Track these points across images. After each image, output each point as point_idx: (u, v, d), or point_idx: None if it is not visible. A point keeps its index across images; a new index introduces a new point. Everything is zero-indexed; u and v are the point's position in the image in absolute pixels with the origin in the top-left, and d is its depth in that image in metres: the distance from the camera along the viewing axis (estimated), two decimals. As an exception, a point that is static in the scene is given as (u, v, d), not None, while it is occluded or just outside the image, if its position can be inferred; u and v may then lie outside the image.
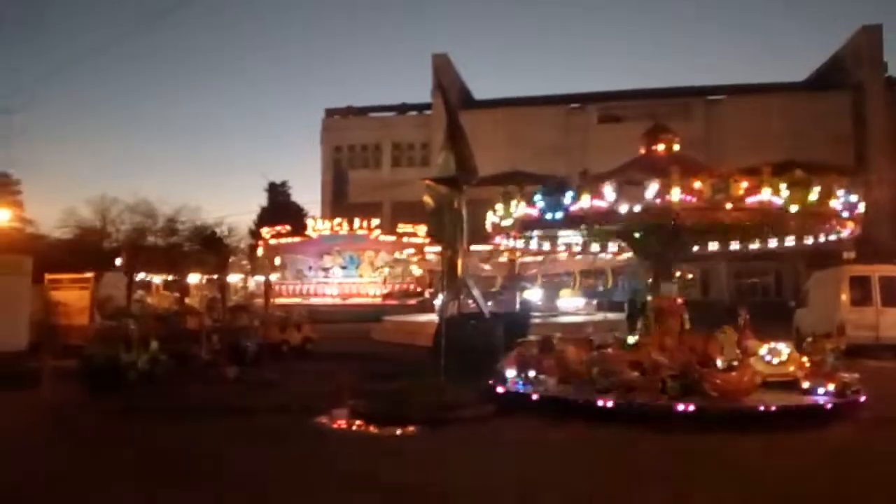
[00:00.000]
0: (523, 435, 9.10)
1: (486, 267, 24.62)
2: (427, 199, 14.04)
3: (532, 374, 11.16)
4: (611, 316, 21.17)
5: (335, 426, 9.72)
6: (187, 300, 34.20)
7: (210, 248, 31.44)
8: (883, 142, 42.70)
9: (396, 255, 37.80)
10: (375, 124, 55.55)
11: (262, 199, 56.36)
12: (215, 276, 35.70)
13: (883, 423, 9.66)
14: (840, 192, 10.27)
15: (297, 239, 37.95)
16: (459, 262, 13.93)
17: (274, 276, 36.81)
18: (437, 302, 18.83)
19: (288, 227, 38.50)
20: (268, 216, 48.02)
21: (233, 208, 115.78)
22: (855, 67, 44.43)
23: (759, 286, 43.51)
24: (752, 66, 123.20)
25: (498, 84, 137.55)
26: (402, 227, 37.09)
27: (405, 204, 42.35)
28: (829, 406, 9.87)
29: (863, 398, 10.24)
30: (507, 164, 42.45)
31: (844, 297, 17.93)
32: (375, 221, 38.71)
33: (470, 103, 51.05)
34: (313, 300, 34.52)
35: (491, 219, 12.31)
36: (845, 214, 10.46)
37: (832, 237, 11.84)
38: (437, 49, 55.37)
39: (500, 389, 10.97)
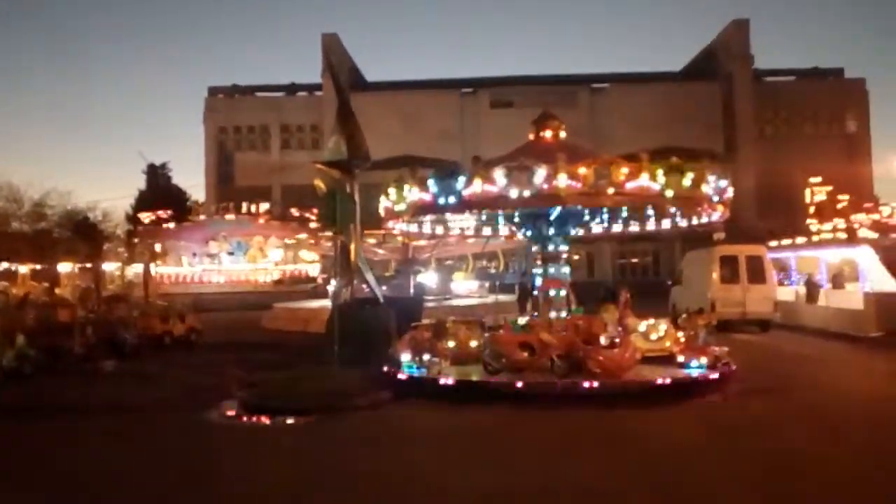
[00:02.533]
0: (417, 421, 9.11)
1: (380, 251, 24.47)
2: (318, 183, 13.76)
3: (426, 357, 11.24)
4: (503, 298, 21.63)
5: (222, 420, 9.35)
6: (58, 290, 31.81)
7: (82, 234, 29.35)
8: (749, 130, 46.01)
9: (287, 240, 36.83)
10: (263, 105, 53.57)
11: (140, 183, 53.28)
12: (89, 265, 33.40)
13: (750, 392, 10.44)
14: (711, 178, 10.94)
15: (179, 224, 36.14)
16: (352, 247, 13.78)
17: (154, 265, 34.91)
18: (330, 288, 18.55)
19: (169, 212, 36.55)
20: (147, 200, 45.27)
21: (109, 192, 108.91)
22: (725, 59, 47.48)
23: (639, 266, 46.03)
24: (633, 55, 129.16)
25: (389, 67, 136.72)
26: (293, 212, 36.19)
27: (296, 188, 41.31)
28: (701, 378, 10.57)
29: (730, 370, 11.05)
30: (400, 148, 42.37)
31: (715, 275, 19.25)
32: (264, 206, 37.54)
33: (361, 85, 50.38)
34: (198, 289, 33.08)
35: (384, 203, 12.24)
36: (716, 199, 11.17)
37: (704, 220, 12.62)
38: (327, 29, 54.20)
39: (394, 374, 10.97)
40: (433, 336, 11.51)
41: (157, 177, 52.87)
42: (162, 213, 36.28)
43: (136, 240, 37.08)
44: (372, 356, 11.54)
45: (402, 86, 50.02)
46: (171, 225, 36.00)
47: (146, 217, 36.44)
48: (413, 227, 14.25)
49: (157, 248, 37.07)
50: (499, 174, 10.21)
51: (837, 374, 12.34)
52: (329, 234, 17.93)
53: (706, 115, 46.37)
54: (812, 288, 19.69)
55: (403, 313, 13.80)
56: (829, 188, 20.78)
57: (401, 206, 11.67)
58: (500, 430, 8.48)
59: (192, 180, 73.71)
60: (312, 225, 33.19)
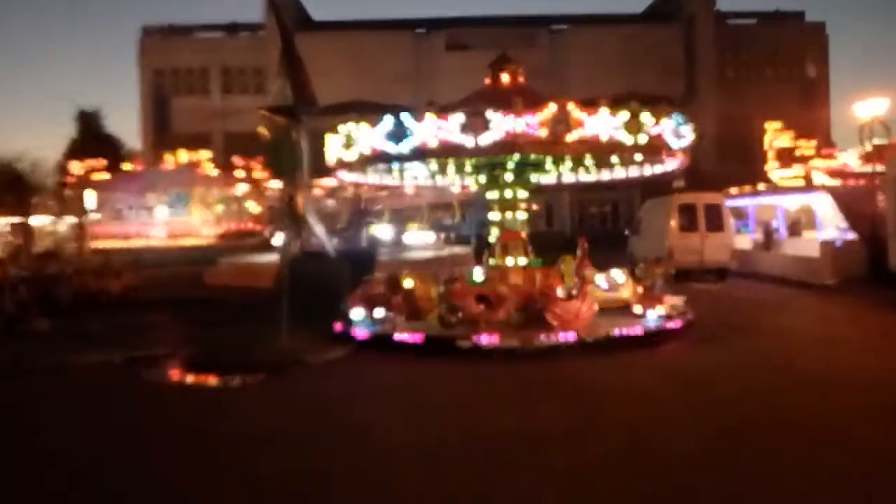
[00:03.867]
0: (370, 377, 8.79)
1: (331, 202, 23.76)
2: (262, 130, 13.06)
3: (380, 312, 10.88)
4: (459, 250, 21.25)
5: (167, 380, 8.86)
6: (-15, 246, 30.12)
7: (9, 186, 27.60)
8: (711, 73, 45.91)
9: (231, 190, 35.47)
10: (202, 46, 50.91)
11: (71, 130, 50.43)
12: (17, 219, 31.63)
13: (706, 340, 10.45)
14: (672, 123, 10.61)
15: (113, 175, 34.30)
16: (300, 198, 13.12)
17: (90, 218, 33.27)
18: (278, 241, 17.84)
19: (103, 162, 34.61)
20: (79, 149, 42.63)
21: (37, 141, 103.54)
22: (687, 1, 46.88)
23: (598, 215, 46.20)
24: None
25: (337, 6, 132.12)
26: (236, 160, 34.71)
27: (239, 135, 39.68)
28: (658, 328, 10.47)
29: (687, 319, 11.00)
30: (350, 92, 41.06)
31: (673, 223, 19.09)
32: (205, 154, 35.90)
33: (308, 25, 48.35)
34: (136, 243, 31.72)
35: (332, 152, 11.58)
36: (676, 145, 10.87)
37: (662, 168, 12.36)
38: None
39: (346, 330, 10.60)
40: (387, 290, 11.17)
41: (89, 124, 50.00)
42: (95, 163, 34.28)
43: (67, 192, 35.10)
44: (323, 312, 11.09)
45: (352, 26, 48.21)
46: (105, 175, 34.15)
47: (78, 167, 34.43)
48: (364, 177, 13.64)
49: (91, 200, 35.19)
50: (453, 120, 9.71)
51: (792, 322, 12.42)
52: (275, 184, 17.18)
53: (667, 58, 46.01)
54: (769, 236, 19.86)
55: (355, 267, 13.34)
56: (791, 134, 20.82)
57: (350, 155, 11.05)
58: (458, 384, 8.29)
59: (127, 127, 70.35)
60: (257, 175, 31.96)
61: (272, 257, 17.74)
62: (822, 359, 9.09)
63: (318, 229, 14.15)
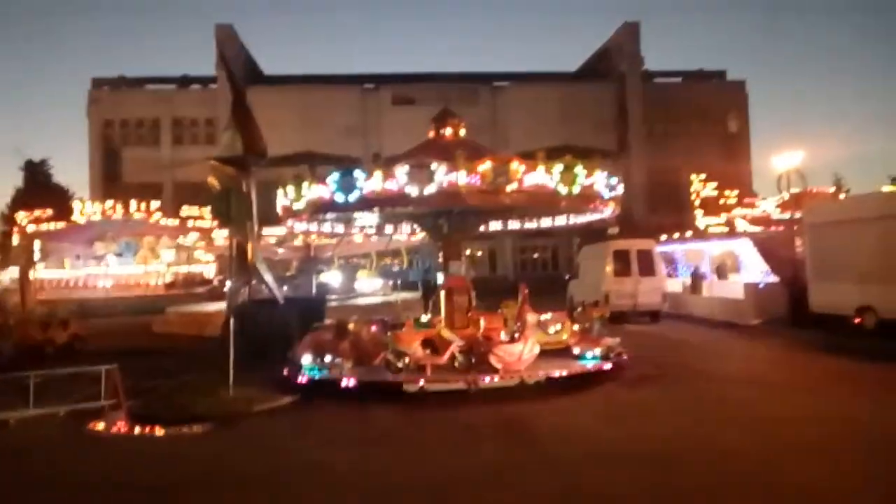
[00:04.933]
0: (317, 424, 8.94)
1: (281, 251, 23.85)
2: (212, 180, 13.19)
3: (328, 359, 11.07)
4: (407, 296, 21.62)
5: (112, 432, 8.81)
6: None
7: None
8: (640, 128, 48.20)
9: (180, 240, 35.12)
10: (153, 98, 50.91)
11: (17, 180, 49.44)
12: (-40, 270, 30.60)
13: (641, 380, 11.00)
14: (602, 175, 11.37)
15: (61, 224, 33.67)
16: (249, 247, 13.33)
17: (33, 269, 32.33)
18: (227, 289, 17.90)
19: (50, 211, 33.97)
20: (25, 199, 41.91)
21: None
22: (618, 60, 49.48)
23: (539, 261, 47.30)
24: (532, 56, 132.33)
25: (287, 61, 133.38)
26: (186, 210, 34.54)
27: (189, 185, 39.59)
28: (595, 369, 10.99)
29: (622, 360, 11.57)
30: (299, 144, 41.52)
31: (609, 268, 20.08)
32: (155, 204, 35.61)
33: (259, 79, 48.96)
34: (83, 293, 30.98)
35: (282, 201, 11.95)
36: (607, 195, 11.61)
37: (597, 216, 13.11)
38: (223, 19, 52.23)
39: (294, 377, 10.75)
40: (335, 336, 11.37)
41: (37, 174, 49.10)
42: (41, 213, 33.63)
43: (13, 242, 34.17)
44: (272, 359, 11.24)
45: (302, 80, 48.99)
46: (52, 225, 33.48)
47: (23, 217, 33.69)
48: (313, 226, 14.00)
49: (37, 250, 34.35)
50: (399, 172, 10.20)
51: (720, 361, 13.14)
52: (224, 233, 17.30)
53: (600, 114, 48.21)
54: (697, 279, 20.91)
55: (304, 314, 13.53)
56: (716, 184, 22.14)
57: (299, 204, 11.44)
58: (404, 427, 8.51)
59: (78, 177, 69.13)
60: (206, 224, 31.84)
61: (220, 306, 17.75)
62: (748, 397, 9.68)
63: (268, 277, 14.34)
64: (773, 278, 18.07)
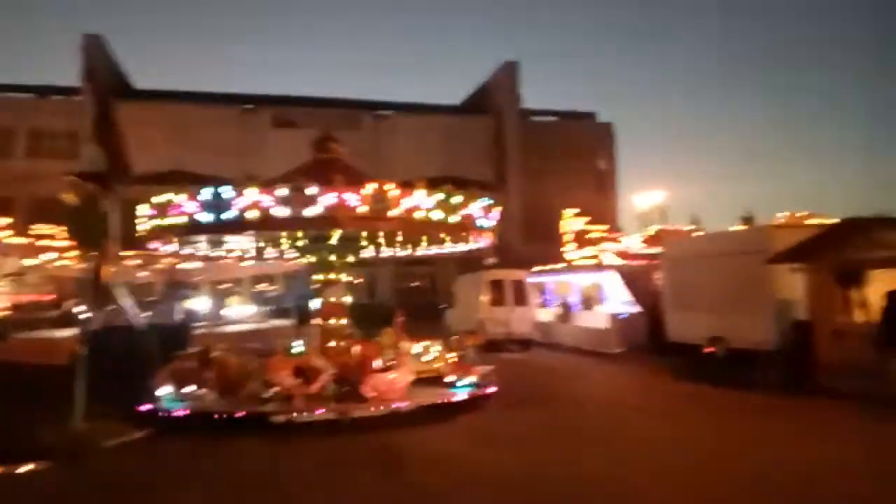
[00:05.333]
0: (172, 461, 8.36)
1: (143, 274, 22.36)
2: (68, 196, 12.25)
3: (190, 389, 10.46)
4: (280, 323, 20.92)
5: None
6: None
7: None
8: (517, 163, 49.98)
9: (29, 260, 32.18)
10: (7, 106, 46.78)
11: None
12: None
13: (512, 406, 11.21)
14: (479, 206, 11.60)
15: None
16: (105, 269, 12.41)
17: None
18: (79, 314, 16.52)
19: None
20: None
21: None
22: (497, 96, 51.27)
23: (418, 289, 47.50)
24: (416, 88, 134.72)
25: (162, 77, 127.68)
26: (38, 228, 31.75)
27: (45, 201, 36.32)
28: (469, 397, 11.08)
29: (495, 387, 11.74)
30: (171, 162, 39.52)
31: (484, 298, 20.56)
32: (5, 220, 32.54)
33: (129, 93, 46.25)
34: (-88, 317, 27.60)
35: (147, 221, 11.22)
36: (483, 225, 11.86)
37: (474, 246, 13.35)
38: (94, 30, 49.02)
39: (152, 409, 10.04)
40: (198, 365, 10.79)
41: None
42: None
43: None
44: (128, 389, 10.42)
45: (176, 96, 46.78)
46: None
47: None
48: (181, 248, 13.25)
49: None
50: (275, 194, 9.90)
51: (586, 388, 13.70)
52: (80, 253, 16.03)
53: (481, 148, 49.57)
54: (566, 309, 21.78)
55: (167, 341, 12.72)
56: (586, 219, 23.32)
57: (165, 225, 10.79)
58: (271, 461, 8.14)
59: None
60: (61, 243, 29.43)
61: (71, 331, 16.36)
62: (611, 421, 10.13)
63: (126, 301, 13.42)
64: (636, 309, 19.12)
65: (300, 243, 12.43)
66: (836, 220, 12.81)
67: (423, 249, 13.99)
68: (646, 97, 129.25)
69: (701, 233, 20.58)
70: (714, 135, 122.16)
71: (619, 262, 21.18)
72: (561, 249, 23.46)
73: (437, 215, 10.64)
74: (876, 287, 11.48)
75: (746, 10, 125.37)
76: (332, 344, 11.55)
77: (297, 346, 11.74)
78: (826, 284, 12.22)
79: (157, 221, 10.83)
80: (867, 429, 9.31)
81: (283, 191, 9.88)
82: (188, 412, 9.88)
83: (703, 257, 16.04)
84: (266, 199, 9.82)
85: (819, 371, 12.13)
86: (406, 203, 10.34)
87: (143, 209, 11.16)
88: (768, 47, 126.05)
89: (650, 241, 21.91)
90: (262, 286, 33.28)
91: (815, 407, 10.81)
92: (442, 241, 13.14)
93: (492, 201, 12.01)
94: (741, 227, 18.07)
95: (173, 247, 12.72)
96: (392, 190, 10.35)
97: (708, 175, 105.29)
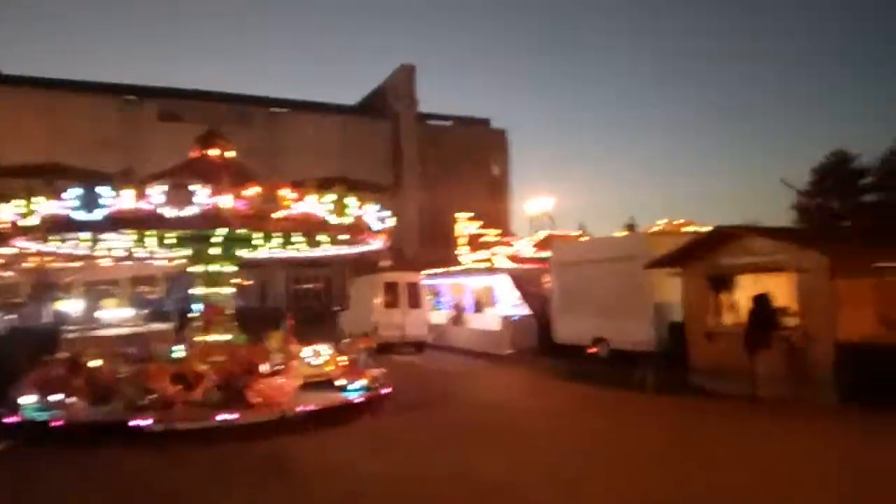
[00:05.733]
0: (34, 477, 7.73)
1: (9, 273, 20.65)
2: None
3: (58, 397, 9.73)
4: (160, 326, 19.87)
5: None
6: None
7: None
8: (413, 167, 50.19)
9: None
10: None
11: None
12: None
13: (404, 409, 11.19)
14: (372, 208, 11.52)
15: None
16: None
17: None
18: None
19: None
20: None
21: None
22: (394, 100, 51.22)
23: (312, 292, 46.61)
24: (311, 88, 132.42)
25: (34, 62, 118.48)
26: None
27: None
28: (360, 400, 10.95)
29: (387, 390, 11.67)
30: (45, 153, 36.88)
31: (378, 300, 20.46)
32: None
33: (-5, 78, 42.63)
34: None
35: (9, 216, 10.31)
36: (376, 227, 11.77)
37: (368, 248, 13.24)
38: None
39: (13, 419, 9.26)
40: (68, 372, 10.07)
41: None
42: None
43: None
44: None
45: (50, 84, 43.55)
46: None
47: None
48: (50, 247, 12.30)
49: None
50: (155, 191, 9.38)
51: (478, 390, 13.90)
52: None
53: (378, 150, 49.39)
54: (459, 312, 22.06)
55: (34, 346, 11.84)
56: (480, 223, 23.75)
57: (31, 221, 9.96)
58: (144, 473, 7.67)
59: None
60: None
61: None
62: (503, 423, 10.24)
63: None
64: (526, 311, 19.63)
65: (180, 243, 11.84)
66: (709, 228, 13.70)
67: (316, 251, 13.71)
68: (540, 104, 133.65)
69: (587, 238, 21.45)
70: (604, 143, 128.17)
71: (510, 265, 21.69)
72: (455, 252, 23.74)
73: (331, 217, 10.46)
74: (744, 291, 12.35)
75: (636, 20, 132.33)
76: (215, 348, 11.08)
77: (178, 351, 11.18)
78: (700, 289, 13.01)
79: (21, 217, 9.99)
80: (733, 429, 9.81)
81: (163, 187, 9.40)
82: (59, 422, 9.16)
83: (588, 262, 16.70)
84: (144, 196, 9.31)
85: (691, 372, 12.91)
86: (297, 203, 10.11)
87: (6, 205, 10.26)
88: (658, 60, 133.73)
89: (540, 245, 22.58)
90: (142, 288, 31.52)
91: (685, 407, 11.34)
92: (336, 243, 12.94)
93: (388, 206, 11.95)
94: (623, 234, 18.98)
95: (40, 244, 11.79)
96: (281, 190, 10.08)
97: (596, 182, 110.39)
